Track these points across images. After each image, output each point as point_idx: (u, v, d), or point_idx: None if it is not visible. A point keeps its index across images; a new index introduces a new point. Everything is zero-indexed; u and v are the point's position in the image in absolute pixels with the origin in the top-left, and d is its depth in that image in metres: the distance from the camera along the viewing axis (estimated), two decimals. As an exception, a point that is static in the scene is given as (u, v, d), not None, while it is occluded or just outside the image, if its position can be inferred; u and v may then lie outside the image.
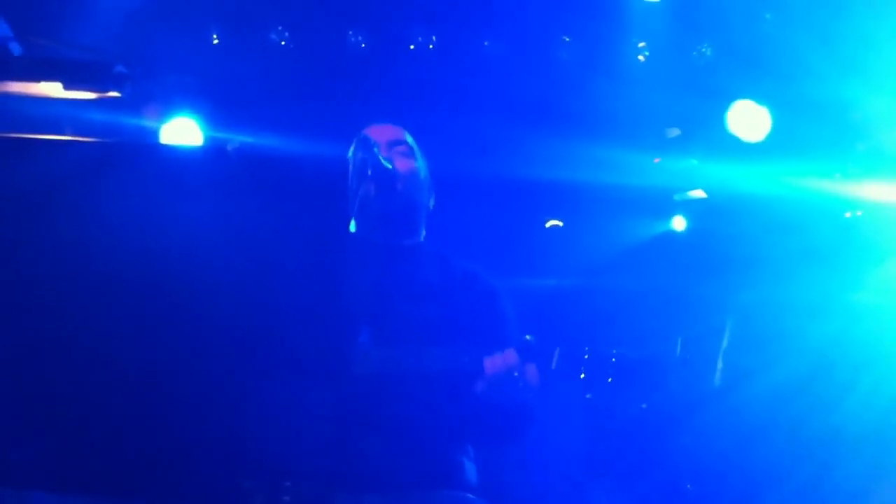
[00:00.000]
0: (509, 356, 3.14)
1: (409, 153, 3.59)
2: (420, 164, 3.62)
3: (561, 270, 6.95)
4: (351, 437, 3.14)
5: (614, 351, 3.19)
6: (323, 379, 2.07)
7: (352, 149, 3.45)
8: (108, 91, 2.74)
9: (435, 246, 3.65)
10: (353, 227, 3.51)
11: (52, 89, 2.59)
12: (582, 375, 3.18)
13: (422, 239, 3.64)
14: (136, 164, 2.09)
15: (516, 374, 3.11)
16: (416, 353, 3.25)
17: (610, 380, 3.16)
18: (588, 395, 3.20)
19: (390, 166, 3.40)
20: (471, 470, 3.42)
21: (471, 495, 3.36)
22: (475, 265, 3.62)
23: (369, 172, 3.34)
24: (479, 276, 3.57)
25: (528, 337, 3.20)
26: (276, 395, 2.03)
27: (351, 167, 3.39)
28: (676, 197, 7.20)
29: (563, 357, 3.18)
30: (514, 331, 3.39)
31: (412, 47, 6.24)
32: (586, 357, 3.18)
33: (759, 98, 6.30)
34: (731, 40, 6.16)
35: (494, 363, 3.13)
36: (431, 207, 3.70)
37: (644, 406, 3.23)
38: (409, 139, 3.65)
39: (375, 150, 3.36)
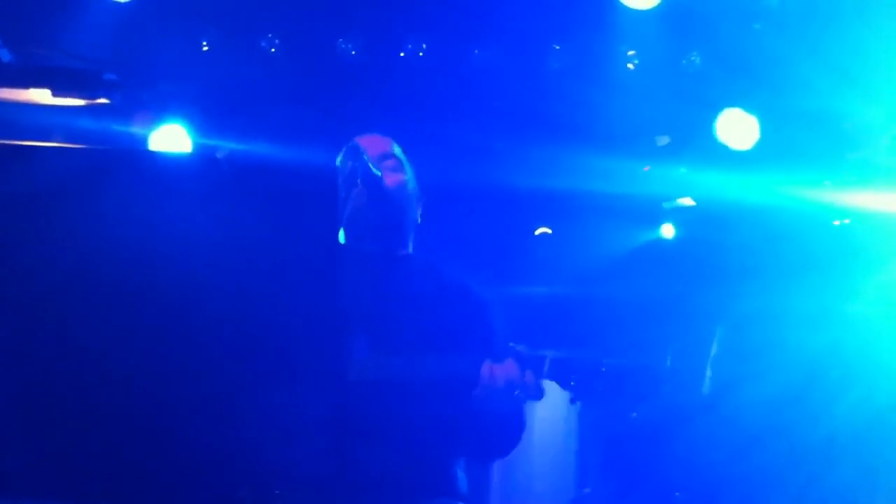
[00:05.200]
0: (509, 367, 3.15)
1: (398, 167, 3.59)
2: (409, 177, 3.62)
3: (550, 278, 6.96)
4: (344, 445, 3.13)
5: (604, 360, 3.20)
6: (315, 387, 2.07)
7: (341, 157, 3.44)
8: (97, 98, 2.74)
9: (425, 257, 3.66)
10: (342, 238, 3.51)
11: (41, 96, 2.59)
12: (572, 383, 3.19)
13: (410, 250, 3.65)
14: (126, 172, 2.08)
15: (517, 392, 3.13)
16: (410, 360, 3.26)
17: (600, 389, 3.16)
18: (577, 403, 3.21)
19: (380, 174, 3.40)
20: (463, 481, 3.43)
21: (462, 504, 3.38)
22: (465, 276, 3.63)
23: (359, 181, 3.34)
24: (469, 287, 3.58)
25: (517, 347, 3.21)
26: (269, 403, 2.03)
27: (340, 175, 3.38)
28: (665, 205, 7.22)
29: (554, 365, 3.19)
30: (504, 342, 3.39)
31: (402, 55, 6.24)
32: (577, 366, 3.19)
33: (749, 107, 6.31)
34: (720, 49, 6.18)
35: (493, 373, 3.14)
36: (419, 221, 3.70)
37: (634, 415, 3.24)
38: (398, 151, 3.65)
39: (365, 157, 3.35)
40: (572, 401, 3.22)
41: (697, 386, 5.88)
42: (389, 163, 3.56)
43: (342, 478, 3.06)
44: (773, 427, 5.99)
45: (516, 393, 3.13)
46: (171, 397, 2.01)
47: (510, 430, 3.34)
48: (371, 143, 3.56)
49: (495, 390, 3.14)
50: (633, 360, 3.20)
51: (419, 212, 3.71)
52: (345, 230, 3.51)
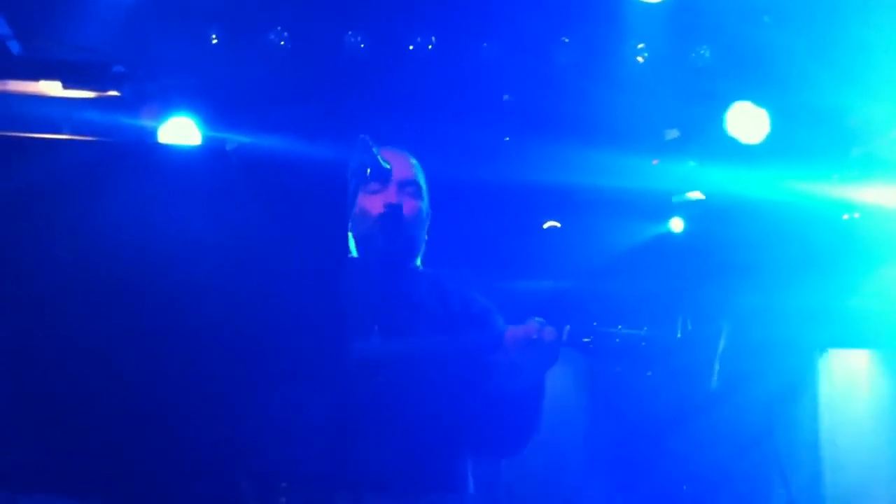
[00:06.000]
0: (529, 325, 3.21)
1: (418, 193, 3.62)
2: (425, 201, 3.67)
3: (559, 272, 6.96)
4: (348, 439, 3.15)
5: (619, 327, 3.30)
6: (319, 382, 2.07)
7: (350, 149, 3.46)
8: (106, 90, 2.75)
9: (431, 270, 3.69)
10: (352, 250, 3.56)
11: (51, 88, 2.59)
12: (586, 339, 3.27)
13: (419, 264, 3.69)
14: (135, 164, 2.09)
15: (535, 336, 3.19)
16: (422, 344, 3.33)
17: (614, 350, 3.26)
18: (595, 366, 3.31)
19: (388, 166, 3.41)
20: (470, 478, 3.46)
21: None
22: (469, 286, 3.68)
23: (368, 171, 3.36)
24: (474, 297, 3.63)
25: (536, 319, 3.27)
26: (274, 397, 2.03)
27: (350, 167, 3.41)
28: (674, 199, 7.21)
29: (571, 331, 3.27)
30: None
31: (411, 48, 6.24)
32: (593, 332, 3.28)
33: (758, 101, 6.31)
34: (729, 43, 6.18)
35: (514, 333, 3.19)
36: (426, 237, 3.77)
37: (649, 374, 3.32)
38: (418, 175, 3.67)
39: (374, 150, 3.37)
40: (588, 361, 3.32)
41: (706, 366, 5.90)
42: (410, 190, 3.60)
43: (346, 472, 3.09)
44: (779, 420, 5.99)
45: (537, 343, 3.18)
46: (177, 391, 2.02)
47: (526, 414, 3.38)
48: (393, 165, 3.59)
49: (518, 345, 3.19)
50: (645, 330, 3.28)
51: (428, 222, 3.76)
52: (356, 245, 3.56)
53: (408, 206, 3.56)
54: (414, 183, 3.64)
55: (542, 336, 3.21)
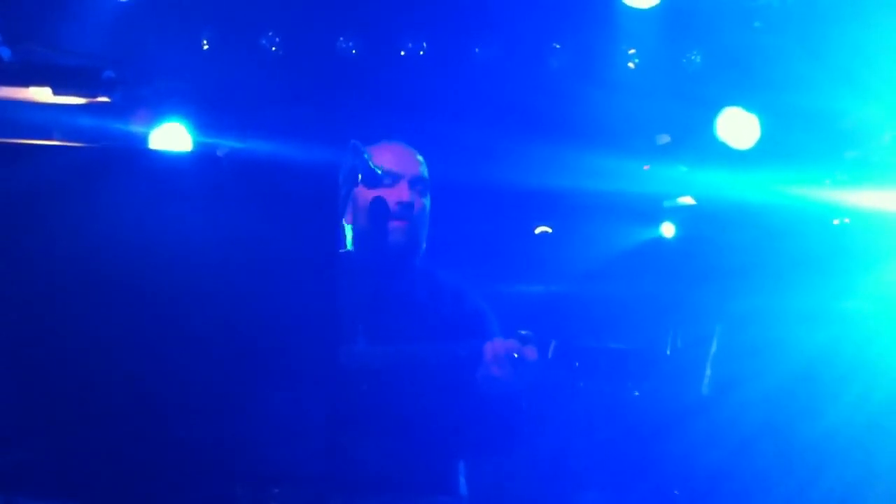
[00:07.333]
0: (511, 343, 3.18)
1: (425, 191, 3.60)
2: (429, 198, 3.64)
3: (550, 277, 6.95)
4: (341, 441, 3.15)
5: (607, 345, 3.27)
6: (312, 384, 2.07)
7: (341, 154, 3.45)
8: (97, 96, 2.74)
9: (425, 266, 3.67)
10: (349, 244, 3.53)
11: (41, 94, 2.59)
12: (576, 364, 3.24)
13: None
14: (126, 170, 2.09)
15: (516, 355, 3.15)
16: (410, 350, 3.30)
17: (603, 369, 3.23)
18: (581, 384, 3.27)
19: (380, 171, 3.40)
20: (462, 481, 3.46)
21: (463, 505, 3.41)
22: (464, 283, 3.65)
23: (359, 177, 3.35)
24: (468, 294, 3.61)
25: (523, 332, 3.24)
26: (267, 400, 2.03)
27: (341, 172, 3.40)
28: (666, 204, 7.22)
29: (559, 348, 3.23)
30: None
31: (402, 53, 6.24)
32: (581, 349, 3.25)
33: (749, 105, 6.32)
34: (720, 48, 6.19)
35: (495, 348, 3.17)
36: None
37: (637, 394, 3.29)
38: (425, 172, 3.65)
39: (366, 155, 3.36)
40: (576, 382, 3.28)
41: (697, 379, 5.89)
42: (420, 188, 3.57)
43: (339, 475, 3.08)
44: (771, 424, 5.99)
45: (518, 360, 3.16)
46: (169, 395, 2.02)
47: (512, 410, 3.36)
48: (404, 163, 3.55)
49: (498, 361, 3.16)
50: (634, 345, 3.25)
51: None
52: (356, 239, 3.52)
53: (417, 205, 3.54)
54: (423, 180, 3.61)
55: (523, 354, 3.18)
